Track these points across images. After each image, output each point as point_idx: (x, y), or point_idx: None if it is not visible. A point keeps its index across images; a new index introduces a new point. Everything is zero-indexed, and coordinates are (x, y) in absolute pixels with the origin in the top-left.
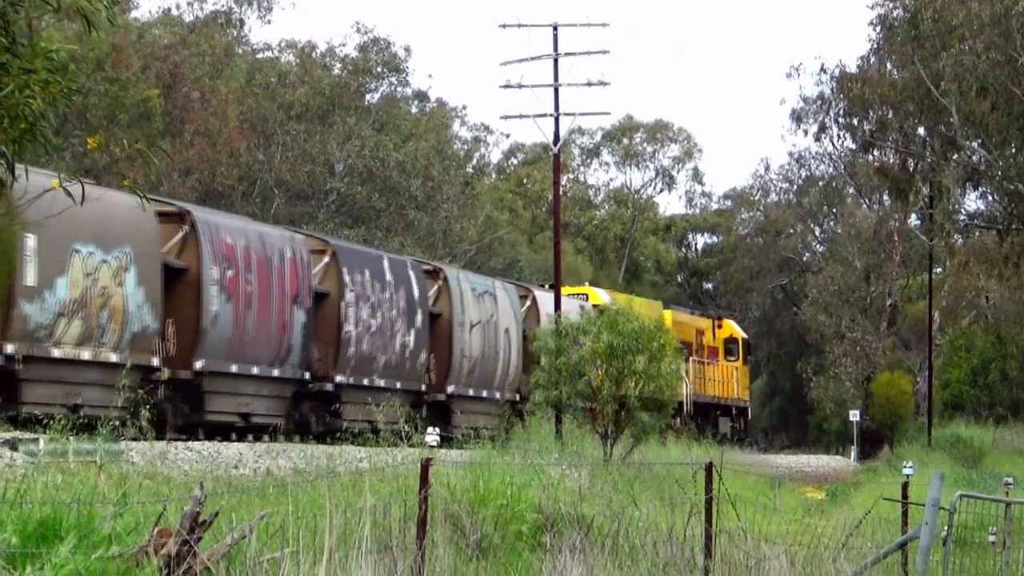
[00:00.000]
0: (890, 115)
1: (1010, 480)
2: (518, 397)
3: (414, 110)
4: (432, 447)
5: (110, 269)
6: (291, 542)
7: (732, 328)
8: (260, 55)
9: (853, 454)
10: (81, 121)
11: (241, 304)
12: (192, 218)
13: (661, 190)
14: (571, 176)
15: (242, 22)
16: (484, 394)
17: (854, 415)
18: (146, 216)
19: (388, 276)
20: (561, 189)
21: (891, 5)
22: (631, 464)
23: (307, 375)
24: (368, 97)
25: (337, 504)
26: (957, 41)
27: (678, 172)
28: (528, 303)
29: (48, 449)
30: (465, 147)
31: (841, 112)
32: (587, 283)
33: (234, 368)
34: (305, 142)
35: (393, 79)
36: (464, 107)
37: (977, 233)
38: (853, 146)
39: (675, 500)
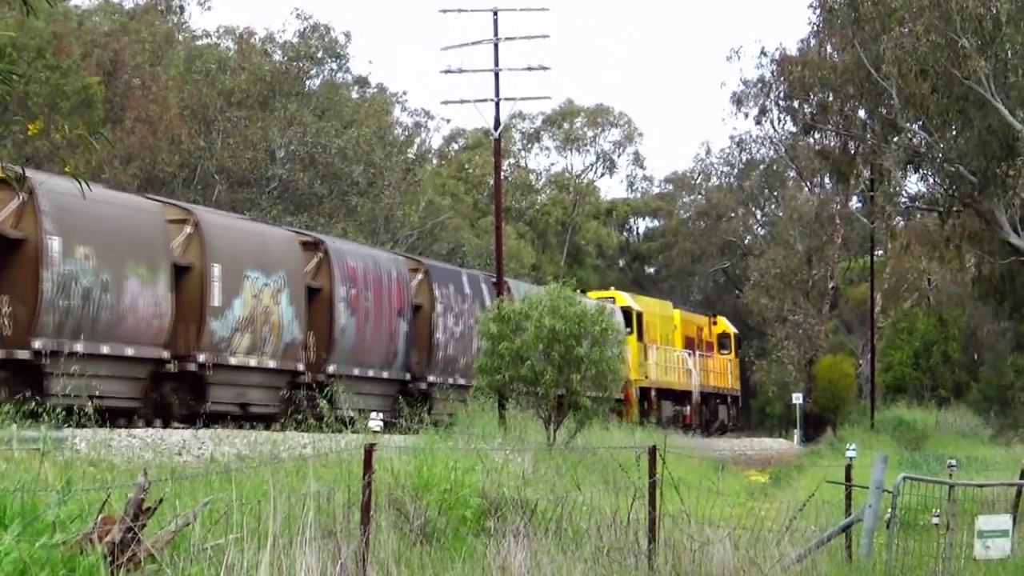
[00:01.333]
0: (831, 98)
1: (953, 462)
2: None
3: (355, 96)
4: (376, 432)
5: (270, 291)
6: (235, 528)
7: (725, 324)
8: (200, 42)
9: (796, 437)
10: (22, 109)
11: (361, 317)
12: (325, 246)
13: (602, 174)
14: (512, 161)
15: (182, 9)
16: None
17: (797, 398)
18: (293, 245)
19: (467, 289)
20: (502, 174)
21: None
22: (574, 449)
23: (408, 376)
24: (309, 83)
25: (281, 490)
26: (897, 24)
27: (619, 156)
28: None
29: None
30: (406, 133)
31: (782, 95)
32: (612, 287)
33: (356, 371)
34: (246, 128)
35: (333, 65)
36: (405, 93)
37: (919, 215)
38: (794, 129)
39: (619, 484)
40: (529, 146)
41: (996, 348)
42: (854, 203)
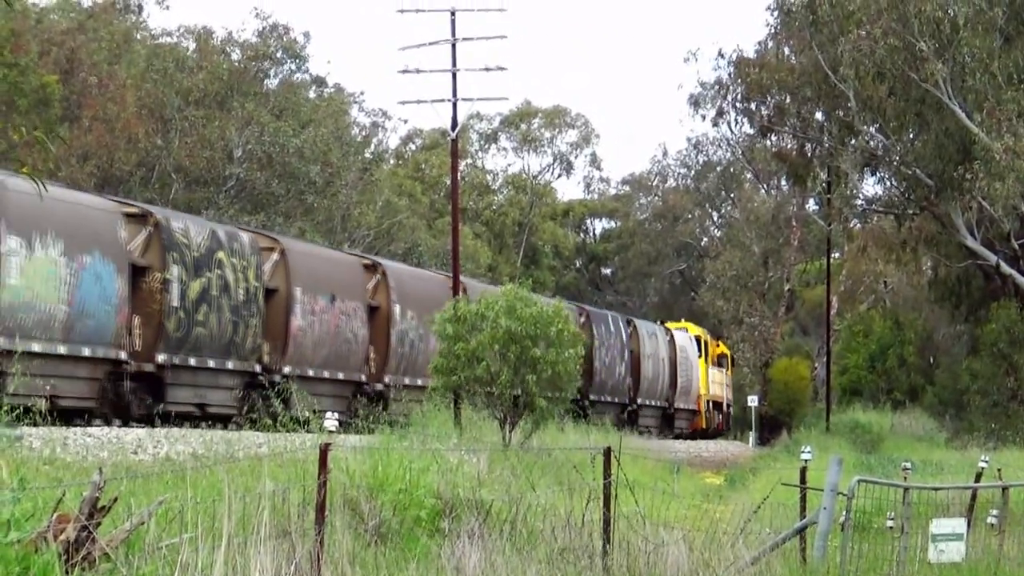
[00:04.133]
0: (788, 100)
1: (908, 465)
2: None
3: (312, 96)
4: (331, 432)
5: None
6: (190, 527)
7: (723, 346)
8: (158, 41)
9: (751, 440)
10: None
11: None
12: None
13: (559, 175)
14: (469, 161)
15: (140, 7)
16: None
17: (752, 400)
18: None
19: (612, 328)
20: (459, 174)
21: None
22: (530, 450)
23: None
24: (267, 83)
25: (236, 490)
26: (855, 26)
27: (576, 157)
28: (631, 330)
29: None
30: (363, 133)
31: (739, 97)
32: (683, 319)
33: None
34: (203, 127)
35: (292, 65)
36: (362, 93)
37: (875, 218)
38: (751, 131)
39: (573, 485)
40: (486, 147)
41: (952, 352)
42: (811, 205)
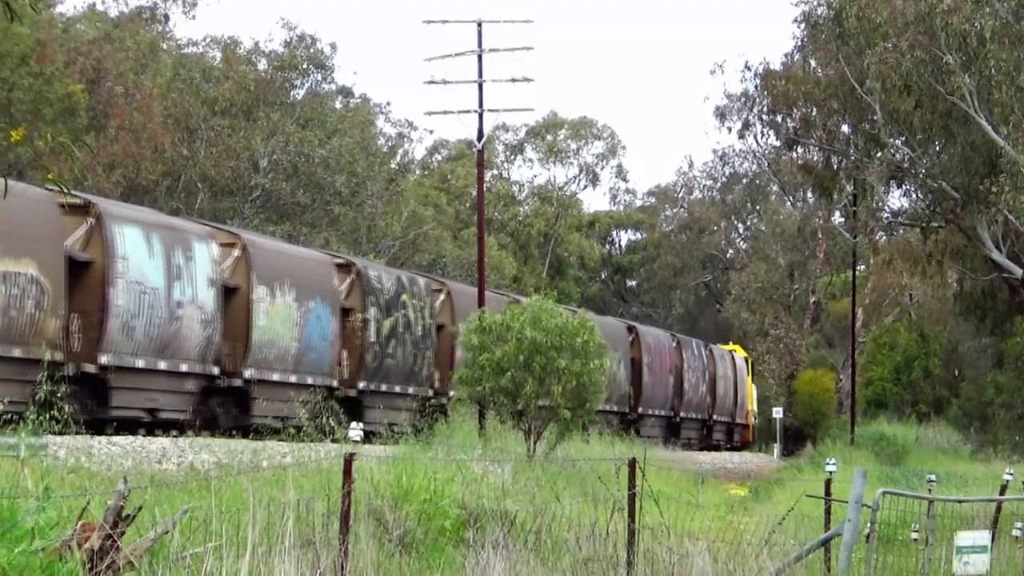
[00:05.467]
0: (814, 113)
1: (933, 477)
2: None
3: (339, 106)
4: (356, 442)
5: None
6: (214, 537)
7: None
8: (185, 51)
9: (776, 451)
10: (5, 116)
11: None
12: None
13: (585, 187)
14: (495, 172)
15: (167, 17)
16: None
17: (777, 412)
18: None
19: (695, 352)
20: (485, 185)
21: (816, 2)
22: (554, 460)
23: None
24: (293, 93)
25: (260, 499)
26: (881, 39)
27: (602, 169)
28: (708, 353)
29: None
30: (389, 143)
31: (765, 109)
32: (731, 342)
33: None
34: (229, 137)
35: (318, 75)
36: (388, 103)
37: (901, 231)
38: (777, 144)
39: (598, 496)
40: (512, 158)
41: (977, 364)
42: (836, 218)
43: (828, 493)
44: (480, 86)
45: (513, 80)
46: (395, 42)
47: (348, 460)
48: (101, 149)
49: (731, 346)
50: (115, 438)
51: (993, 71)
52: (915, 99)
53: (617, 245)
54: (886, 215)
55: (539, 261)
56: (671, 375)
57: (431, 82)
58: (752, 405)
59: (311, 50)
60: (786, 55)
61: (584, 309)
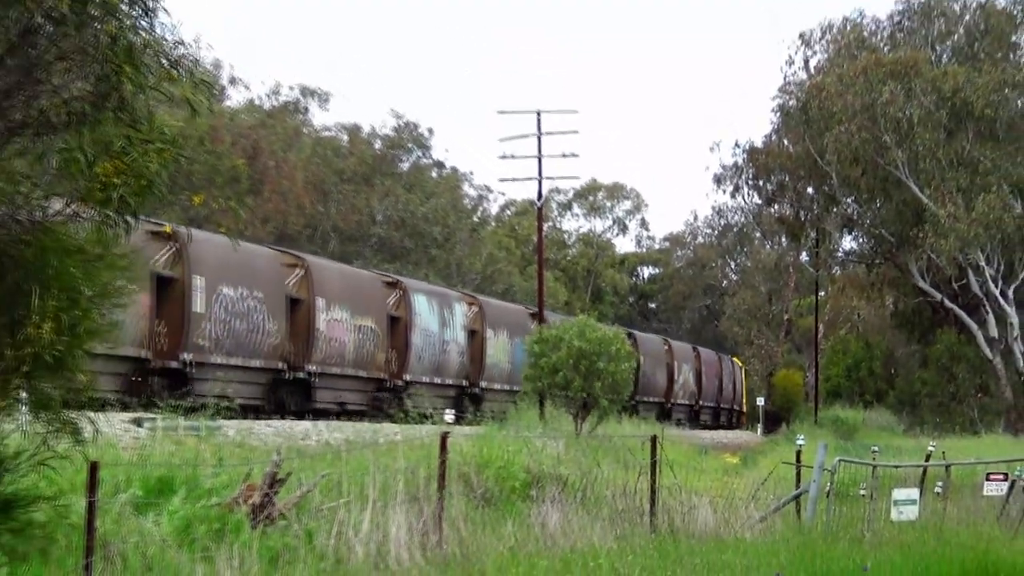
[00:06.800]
0: (787, 179)
1: (876, 449)
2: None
3: (434, 175)
4: (449, 423)
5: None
6: (344, 494)
7: (744, 365)
8: (320, 134)
9: (759, 430)
10: (188, 183)
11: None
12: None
13: (617, 234)
14: (550, 224)
15: (307, 109)
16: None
17: (760, 401)
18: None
19: (712, 360)
20: (543, 234)
21: (787, 97)
22: (596, 437)
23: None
24: (401, 165)
25: (378, 466)
26: (836, 124)
27: (630, 221)
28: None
29: (163, 425)
30: (472, 202)
31: (750, 176)
32: (732, 355)
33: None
34: (354, 198)
35: (419, 152)
36: (471, 172)
37: (851, 266)
38: (759, 201)
39: (628, 463)
40: (563, 213)
41: (908, 365)
42: (803, 256)
43: (798, 461)
44: (539, 160)
45: (563, 155)
46: (476, 125)
47: (444, 437)
48: (257, 208)
49: (732, 357)
50: (271, 421)
51: (920, 147)
52: (862, 168)
53: (641, 277)
54: (840, 254)
55: (583, 290)
56: (716, 378)
57: (503, 156)
58: (746, 399)
59: (414, 133)
60: (766, 136)
61: (617, 326)
